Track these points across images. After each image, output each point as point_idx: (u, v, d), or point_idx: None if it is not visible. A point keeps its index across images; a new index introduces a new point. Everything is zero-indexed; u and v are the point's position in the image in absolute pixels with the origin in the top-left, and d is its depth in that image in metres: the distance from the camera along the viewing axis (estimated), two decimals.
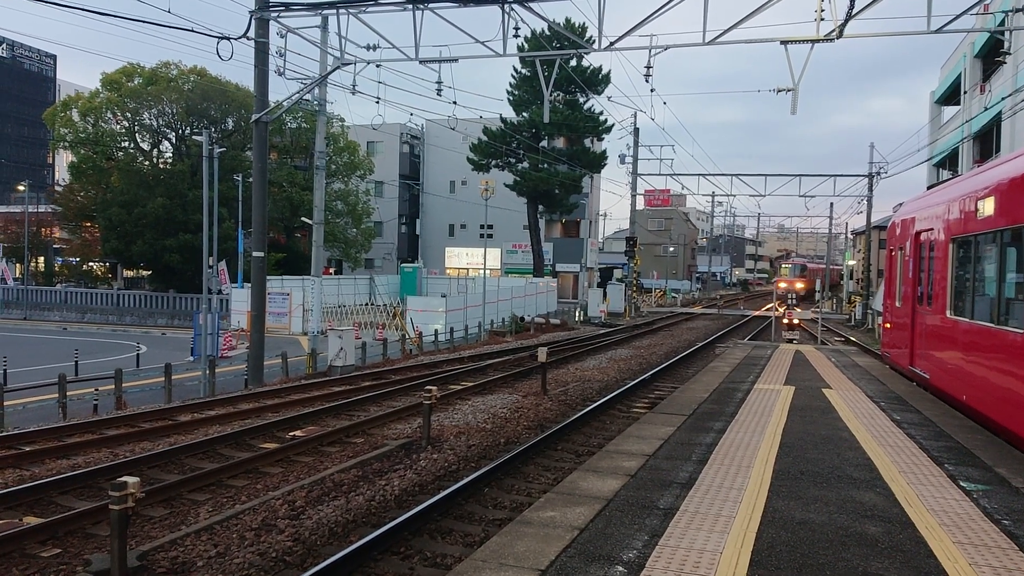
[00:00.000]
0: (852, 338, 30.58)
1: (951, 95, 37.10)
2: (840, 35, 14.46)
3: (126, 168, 46.81)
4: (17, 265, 55.82)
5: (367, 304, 45.38)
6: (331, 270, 56.59)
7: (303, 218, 30.57)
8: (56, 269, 60.12)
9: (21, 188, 57.72)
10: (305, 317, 33.15)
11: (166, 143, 50.09)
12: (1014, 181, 7.91)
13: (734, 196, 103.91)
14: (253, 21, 17.66)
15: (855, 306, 44.37)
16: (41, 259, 61.06)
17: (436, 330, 29.77)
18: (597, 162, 52.01)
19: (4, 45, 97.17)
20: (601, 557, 4.70)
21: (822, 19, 14.37)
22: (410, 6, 16.21)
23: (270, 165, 35.48)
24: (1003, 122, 26.60)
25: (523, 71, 48.25)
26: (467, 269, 58.94)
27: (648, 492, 6.06)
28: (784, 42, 15.05)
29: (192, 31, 15.61)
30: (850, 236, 68.88)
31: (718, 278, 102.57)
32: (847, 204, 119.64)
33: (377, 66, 19.00)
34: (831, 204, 66.00)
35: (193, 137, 43.80)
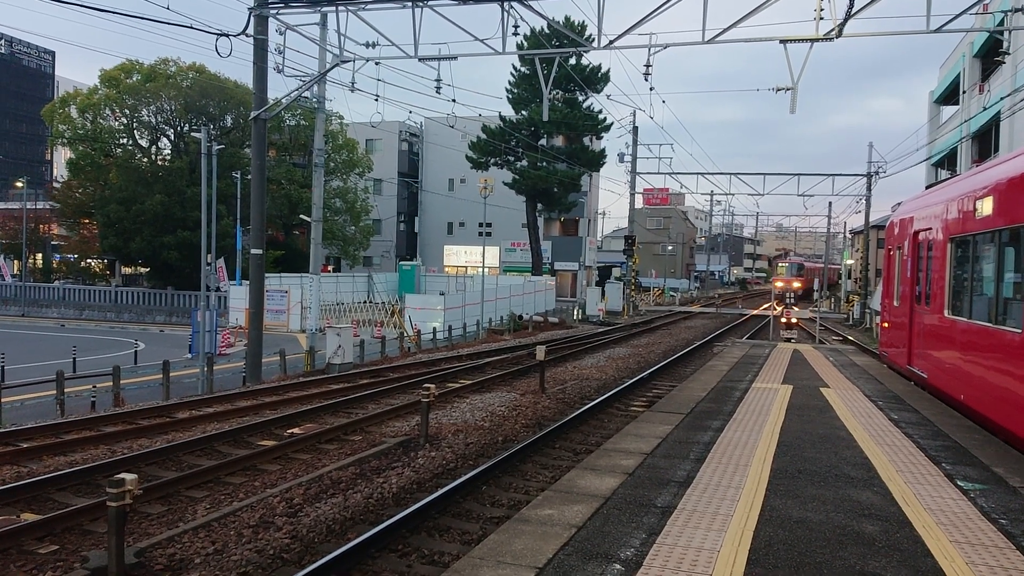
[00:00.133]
0: (850, 337, 30.62)
1: (950, 95, 37.12)
2: (839, 34, 14.46)
3: (124, 165, 46.76)
4: (15, 262, 55.74)
5: (365, 302, 45.39)
6: (330, 268, 56.57)
7: (302, 215, 30.56)
8: (54, 266, 60.04)
9: (19, 184, 57.63)
10: (303, 315, 33.13)
11: (165, 140, 50.05)
12: (1012, 181, 7.91)
13: (733, 195, 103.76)
14: (252, 18, 17.63)
15: (853, 305, 44.43)
16: (39, 256, 60.99)
17: (434, 328, 29.77)
18: (596, 161, 52.01)
19: (3, 41, 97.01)
20: (599, 555, 4.71)
21: (821, 18, 14.38)
22: (409, 3, 16.20)
23: (269, 162, 35.44)
24: (1002, 122, 26.62)
25: (522, 69, 48.22)
26: (466, 267, 58.93)
27: (646, 490, 6.06)
28: (783, 41, 15.06)
29: (191, 28, 15.57)
30: (848, 235, 68.93)
31: (716, 277, 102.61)
32: (846, 203, 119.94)
33: (376, 64, 18.99)
34: (829, 203, 66.11)
35: (192, 134, 43.78)
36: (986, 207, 8.56)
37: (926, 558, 4.76)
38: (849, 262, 62.01)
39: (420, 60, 17.68)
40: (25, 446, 10.43)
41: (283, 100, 20.90)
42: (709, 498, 5.87)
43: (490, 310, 36.52)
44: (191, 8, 17.72)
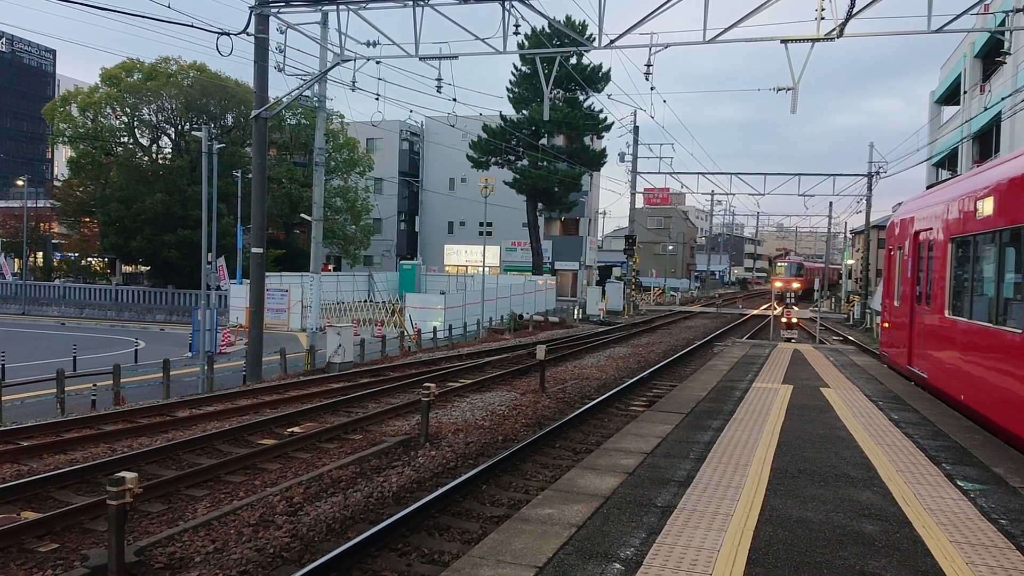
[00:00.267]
0: (850, 337, 30.62)
1: (951, 95, 37.10)
2: (840, 34, 14.46)
3: (125, 164, 46.76)
4: (16, 260, 55.75)
5: (366, 301, 45.41)
6: (330, 267, 56.57)
7: (302, 214, 30.56)
8: (55, 264, 60.08)
9: (20, 183, 57.68)
10: (304, 313, 33.13)
11: (165, 139, 50.07)
12: (1013, 181, 7.91)
13: (733, 195, 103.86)
14: (253, 17, 17.63)
15: (853, 305, 44.42)
16: (40, 254, 61.03)
17: (435, 327, 29.77)
18: (596, 160, 52.00)
19: (3, 40, 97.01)
20: (599, 554, 4.71)
21: (822, 18, 14.37)
22: (410, 2, 16.20)
23: (269, 161, 35.46)
24: (1003, 122, 26.61)
25: (523, 69, 48.21)
26: (466, 266, 58.91)
27: (646, 490, 6.06)
28: (784, 41, 15.05)
29: (192, 27, 15.58)
30: (849, 235, 68.87)
31: (717, 277, 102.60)
32: (846, 203, 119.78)
33: (377, 63, 18.99)
34: (830, 203, 66.05)
35: (192, 133, 43.84)
36: (987, 207, 8.56)
37: (926, 558, 4.76)
38: (849, 262, 61.97)
39: (421, 59, 17.67)
40: (25, 444, 10.43)
41: (284, 99, 20.90)
42: (709, 498, 5.87)
43: (490, 309, 36.52)
44: (192, 7, 17.71)
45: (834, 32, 14.46)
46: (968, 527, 5.33)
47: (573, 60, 43.97)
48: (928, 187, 15.10)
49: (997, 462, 7.16)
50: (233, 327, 31.10)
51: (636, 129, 43.90)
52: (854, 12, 13.72)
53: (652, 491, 6.04)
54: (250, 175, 21.91)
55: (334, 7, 17.64)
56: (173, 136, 49.15)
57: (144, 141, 49.67)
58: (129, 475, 5.81)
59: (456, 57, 17.67)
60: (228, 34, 15.82)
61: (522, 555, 4.69)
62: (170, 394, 16.38)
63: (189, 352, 25.81)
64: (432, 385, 11.01)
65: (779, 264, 75.73)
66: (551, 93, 19.09)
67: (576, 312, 42.42)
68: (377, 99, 20.90)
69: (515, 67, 49.18)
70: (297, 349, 24.16)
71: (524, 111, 48.50)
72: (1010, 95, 23.26)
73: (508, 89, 49.52)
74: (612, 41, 16.08)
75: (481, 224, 37.43)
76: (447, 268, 59.65)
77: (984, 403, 8.62)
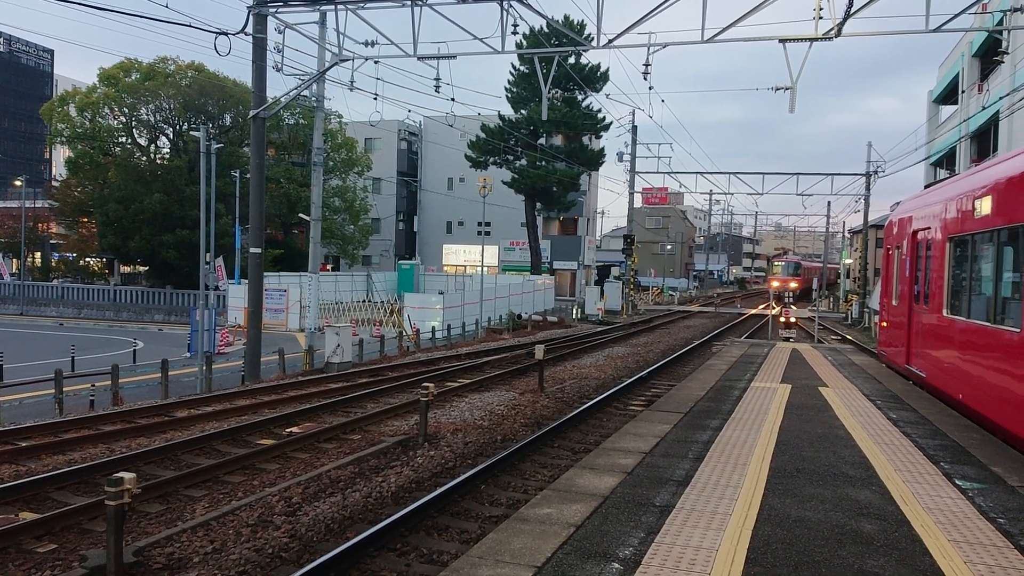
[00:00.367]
0: (849, 336, 30.64)
1: (949, 94, 37.14)
2: (838, 34, 14.47)
3: (123, 164, 46.71)
4: (14, 260, 55.68)
5: (364, 301, 45.36)
6: (328, 267, 56.54)
7: (301, 214, 30.54)
8: (53, 265, 59.99)
9: (18, 183, 57.58)
10: (302, 314, 33.11)
11: (163, 139, 50.02)
12: (1011, 180, 7.92)
13: (732, 194, 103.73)
14: (251, 16, 17.62)
15: (852, 305, 44.45)
16: (38, 254, 60.93)
17: (433, 327, 29.76)
18: (595, 160, 52.01)
19: (1, 40, 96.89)
20: (597, 554, 4.71)
21: (820, 18, 14.38)
22: (408, 2, 16.19)
23: (268, 161, 35.44)
24: (1001, 121, 26.63)
25: (522, 68, 48.21)
26: (465, 266, 58.89)
27: (645, 489, 6.06)
28: (783, 40, 15.06)
29: (190, 26, 15.57)
30: (847, 235, 68.87)
31: (715, 276, 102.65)
32: (844, 203, 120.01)
33: (375, 62, 18.99)
34: (828, 203, 66.16)
35: (190, 133, 43.78)
36: (985, 206, 8.57)
37: (924, 557, 4.76)
38: (848, 261, 61.99)
39: (419, 59, 17.68)
40: (24, 445, 10.42)
41: (282, 99, 20.90)
42: (708, 497, 5.88)
43: (489, 309, 36.51)
44: (190, 7, 17.71)
45: (832, 32, 14.46)
46: (966, 526, 5.34)
47: (571, 60, 43.97)
48: (926, 186, 15.11)
49: (995, 461, 7.17)
50: (231, 327, 31.08)
51: (634, 129, 43.92)
52: (852, 11, 13.73)
53: (651, 491, 6.04)
54: (248, 175, 21.90)
55: (332, 7, 17.63)
56: (171, 136, 49.11)
57: (142, 141, 49.62)
58: (127, 475, 5.81)
59: (454, 57, 17.67)
60: (226, 34, 15.80)
61: (521, 555, 4.69)
62: (168, 394, 16.36)
63: (187, 352, 25.79)
64: (431, 385, 11.01)
65: (776, 263, 73.92)
66: (549, 93, 19.07)
67: (575, 312, 42.43)
68: (375, 99, 20.92)
69: (513, 67, 49.19)
70: (295, 349, 24.15)
71: (522, 111, 48.50)
72: (1008, 94, 23.28)
73: (506, 89, 49.53)
74: (610, 41, 16.08)
75: (480, 224, 37.42)
76: (446, 268, 59.63)
77: (982, 402, 8.63)
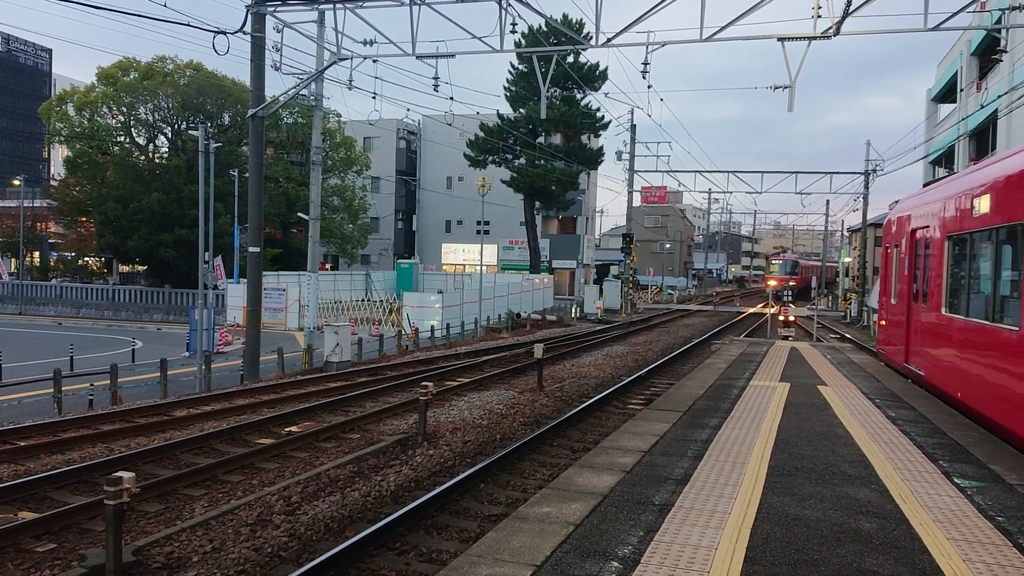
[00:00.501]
0: (847, 335, 30.65)
1: (947, 93, 37.17)
2: (837, 32, 14.47)
3: (122, 163, 46.68)
4: (12, 260, 55.65)
5: (363, 300, 45.34)
6: (327, 266, 56.53)
7: (299, 213, 30.53)
8: (51, 264, 59.94)
9: (16, 182, 57.53)
10: (301, 313, 33.09)
11: (162, 138, 49.98)
12: (1010, 179, 7.92)
13: (730, 193, 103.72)
14: (250, 15, 17.61)
15: (851, 303, 44.47)
16: (36, 254, 60.87)
17: (432, 326, 29.76)
18: (594, 159, 52.00)
19: (0, 39, 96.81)
20: (596, 553, 4.71)
21: (819, 16, 14.38)
22: (407, 1, 16.18)
23: (266, 160, 35.42)
24: (999, 120, 26.65)
25: (520, 67, 48.21)
26: (464, 265, 58.90)
27: (644, 488, 6.07)
28: (781, 39, 15.05)
29: (188, 26, 15.56)
30: (846, 233, 68.81)
31: (714, 275, 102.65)
32: (843, 201, 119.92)
33: (374, 61, 18.97)
34: (827, 201, 66.22)
35: (189, 132, 43.76)
36: (983, 205, 8.57)
37: (923, 555, 4.76)
38: (847, 260, 62.00)
39: (418, 58, 17.66)
40: (22, 444, 10.41)
41: (281, 98, 20.88)
42: (707, 496, 5.88)
43: (488, 308, 36.51)
44: (189, 6, 17.70)
45: (831, 30, 14.46)
46: (965, 524, 5.35)
47: (570, 58, 43.96)
48: (925, 185, 15.13)
49: (994, 459, 7.18)
50: (230, 326, 31.07)
51: (633, 127, 43.90)
52: (851, 10, 13.73)
53: (650, 489, 6.04)
54: (247, 174, 21.87)
55: (331, 6, 17.62)
56: (170, 135, 49.07)
57: (141, 140, 49.58)
58: (126, 475, 5.80)
59: (453, 56, 17.66)
60: (225, 33, 15.79)
61: (520, 554, 4.69)
62: (167, 394, 16.36)
63: (186, 352, 25.78)
64: (430, 384, 11.01)
65: (773, 262, 72.67)
66: (548, 91, 19.07)
67: (574, 310, 42.43)
68: (374, 98, 20.89)
69: (512, 65, 49.19)
70: (295, 348, 24.15)
71: (521, 109, 48.49)
72: (1006, 93, 23.30)
73: (505, 88, 49.51)
74: (609, 39, 16.07)
75: (478, 223, 37.43)
76: (444, 267, 59.64)
77: (981, 400, 8.64)
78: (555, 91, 46.60)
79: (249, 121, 19.45)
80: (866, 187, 43.62)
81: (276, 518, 7.57)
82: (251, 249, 19.36)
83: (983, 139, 30.75)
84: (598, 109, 48.89)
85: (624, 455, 7.10)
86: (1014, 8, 16.01)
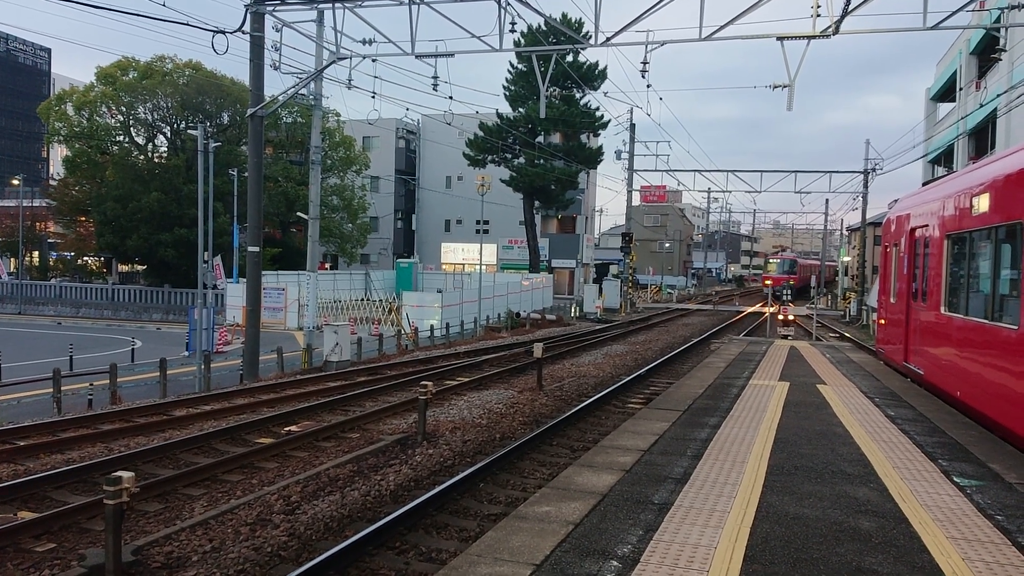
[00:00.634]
0: (847, 334, 30.66)
1: (947, 92, 37.17)
2: (836, 31, 14.46)
3: (121, 162, 46.67)
4: (12, 260, 55.64)
5: (363, 299, 45.34)
6: (327, 265, 56.52)
7: (299, 213, 30.55)
8: (51, 264, 59.93)
9: (16, 182, 57.51)
10: (301, 312, 33.09)
11: (161, 137, 49.97)
12: (1009, 178, 7.92)
13: (730, 192, 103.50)
14: (249, 15, 17.59)
15: (850, 302, 44.49)
16: (36, 254, 60.85)
17: (432, 326, 29.76)
18: (593, 158, 52.00)
19: None
20: (596, 552, 4.71)
21: (818, 15, 14.37)
22: (406, 0, 16.16)
23: (265, 160, 35.36)
24: (998, 119, 26.65)
25: (519, 66, 48.20)
26: (463, 265, 58.88)
27: (643, 487, 6.07)
28: (780, 38, 15.05)
29: (188, 25, 15.56)
30: (845, 232, 68.75)
31: (714, 274, 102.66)
32: (842, 200, 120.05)
33: (373, 61, 18.96)
34: (826, 200, 65.95)
35: (188, 131, 43.73)
36: (983, 204, 8.57)
37: (922, 554, 4.77)
38: (846, 259, 61.99)
39: (417, 57, 17.65)
40: (22, 444, 10.41)
41: (280, 97, 20.85)
42: (706, 495, 5.88)
43: (487, 308, 36.51)
44: (188, 5, 17.68)
45: (830, 29, 14.46)
46: (964, 523, 5.35)
47: (569, 58, 43.98)
48: (924, 184, 15.14)
49: (993, 458, 7.18)
50: (230, 326, 31.06)
51: (632, 127, 43.90)
52: (850, 9, 13.73)
53: (649, 488, 6.04)
54: (246, 174, 21.87)
55: (330, 5, 17.60)
56: (169, 135, 49.06)
57: (140, 140, 49.58)
58: (126, 474, 5.80)
59: (452, 55, 17.64)
60: (224, 32, 15.77)
61: (520, 553, 4.69)
62: (167, 393, 16.35)
63: (186, 351, 25.76)
64: (429, 383, 11.01)
65: (771, 261, 71.63)
66: (547, 91, 19.08)
67: (573, 310, 42.43)
68: (373, 97, 20.85)
69: (511, 65, 49.18)
70: (294, 348, 24.14)
71: (520, 109, 48.48)
72: (1006, 92, 23.31)
73: (504, 87, 49.51)
74: (608, 39, 16.06)
75: (478, 222, 37.44)
76: (444, 266, 59.63)
77: (980, 399, 8.65)
78: (554, 90, 46.56)
79: (248, 120, 19.43)
80: (865, 186, 43.64)
81: (276, 517, 7.57)
82: (250, 248, 19.35)
83: (982, 138, 30.76)
84: (597, 108, 48.94)
85: (623, 454, 7.10)
86: (1013, 7, 16.01)
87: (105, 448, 10.49)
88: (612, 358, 21.32)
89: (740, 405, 9.74)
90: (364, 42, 18.42)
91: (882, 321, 15.46)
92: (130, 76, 46.66)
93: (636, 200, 49.62)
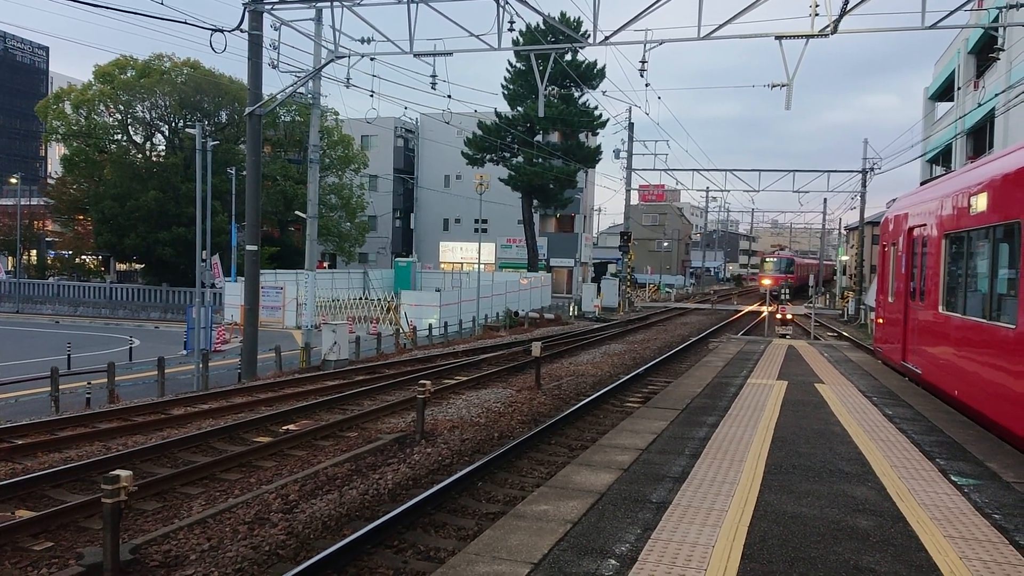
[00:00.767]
0: (845, 333, 30.70)
1: (945, 91, 37.19)
2: (834, 31, 14.47)
3: (119, 161, 46.65)
4: (9, 258, 55.56)
5: (361, 298, 45.32)
6: (325, 264, 56.50)
7: (297, 212, 30.55)
8: (48, 262, 59.87)
9: (13, 181, 57.42)
10: (299, 311, 33.09)
11: (159, 136, 49.94)
12: (1007, 177, 7.93)
13: (728, 191, 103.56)
14: (247, 13, 17.57)
15: (848, 301, 44.55)
16: (33, 252, 60.78)
17: (430, 324, 29.76)
18: (592, 157, 52.01)
19: None
20: (594, 550, 4.71)
21: (817, 14, 14.37)
22: None
23: (264, 158, 35.35)
24: (996, 118, 26.68)
25: (518, 65, 48.18)
26: (461, 263, 58.87)
27: (641, 486, 6.07)
28: (779, 37, 15.05)
29: (185, 23, 15.54)
30: (843, 231, 68.77)
31: (712, 273, 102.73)
32: (841, 200, 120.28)
33: (371, 59, 18.93)
34: (824, 200, 66.21)
35: (186, 130, 43.64)
36: (981, 203, 8.58)
37: (920, 553, 4.77)
38: (844, 258, 62.02)
39: (415, 56, 17.63)
40: (19, 443, 10.40)
41: (278, 96, 20.82)
42: (704, 493, 5.89)
43: (486, 306, 36.51)
44: (186, 4, 17.66)
45: (828, 28, 14.46)
46: (962, 522, 5.36)
47: (568, 57, 43.97)
48: (922, 183, 15.13)
49: (991, 457, 7.19)
50: (228, 325, 31.06)
51: (631, 126, 43.89)
52: (848, 8, 13.74)
53: (647, 487, 6.05)
54: (244, 172, 21.87)
55: (328, 3, 17.58)
56: (167, 133, 49.03)
57: (138, 138, 49.55)
58: (124, 473, 5.80)
59: (451, 54, 17.62)
60: (222, 31, 15.75)
61: (518, 551, 4.70)
62: (165, 392, 16.35)
63: (184, 350, 25.75)
64: (428, 382, 11.01)
65: (767, 260, 70.45)
66: (546, 90, 19.06)
67: (571, 309, 42.44)
68: (372, 96, 20.83)
69: (510, 63, 49.16)
70: (292, 347, 24.12)
71: (519, 108, 48.48)
72: (1004, 91, 23.33)
73: (503, 86, 49.50)
74: (607, 37, 16.06)
75: (476, 221, 37.46)
76: (442, 265, 59.60)
77: (978, 398, 8.66)
78: (553, 89, 46.70)
79: (246, 119, 19.41)
80: (863, 185, 43.66)
81: (274, 516, 7.56)
82: (248, 247, 19.33)
83: (980, 137, 30.79)
84: (596, 107, 48.96)
85: (622, 453, 7.10)
86: (1011, 6, 16.03)
87: (103, 447, 10.48)
88: (610, 357, 21.32)
89: (738, 404, 9.75)
90: (362, 41, 18.40)
91: (880, 320, 15.48)
92: (128, 74, 46.63)
93: (635, 199, 49.66)
